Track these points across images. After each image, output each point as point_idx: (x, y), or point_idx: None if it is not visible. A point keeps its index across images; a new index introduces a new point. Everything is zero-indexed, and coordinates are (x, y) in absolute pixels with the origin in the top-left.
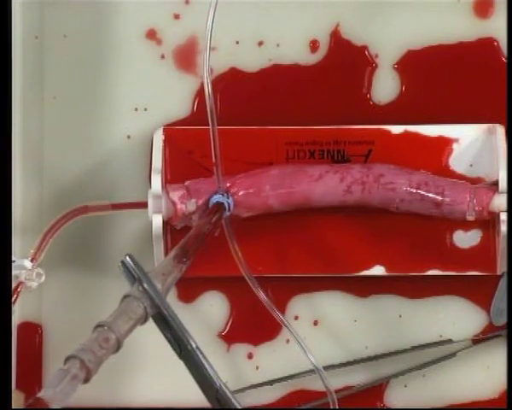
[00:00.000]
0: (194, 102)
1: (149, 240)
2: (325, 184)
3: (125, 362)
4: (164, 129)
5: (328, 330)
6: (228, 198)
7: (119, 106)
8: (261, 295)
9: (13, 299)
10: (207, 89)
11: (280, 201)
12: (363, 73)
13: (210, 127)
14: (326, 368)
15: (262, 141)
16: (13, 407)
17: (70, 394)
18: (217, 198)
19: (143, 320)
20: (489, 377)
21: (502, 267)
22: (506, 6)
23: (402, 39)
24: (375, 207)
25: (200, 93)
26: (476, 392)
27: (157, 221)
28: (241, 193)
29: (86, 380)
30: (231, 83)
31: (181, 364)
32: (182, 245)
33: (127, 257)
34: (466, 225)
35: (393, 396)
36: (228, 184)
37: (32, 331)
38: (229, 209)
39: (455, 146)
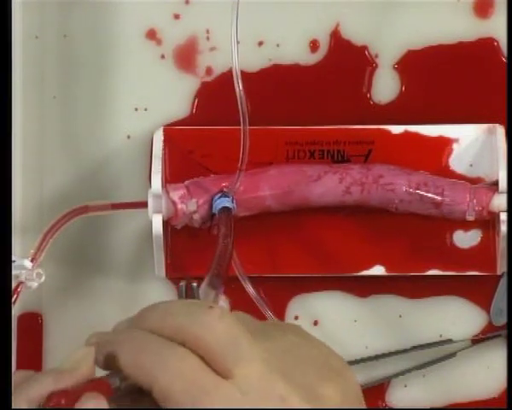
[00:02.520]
0: (194, 102)
1: (149, 240)
2: (324, 185)
3: None
4: (164, 129)
5: (328, 330)
6: (233, 202)
7: (119, 106)
8: (250, 289)
9: (13, 299)
10: (238, 88)
11: (278, 201)
12: (363, 73)
13: (241, 127)
14: None
15: (262, 141)
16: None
17: None
18: (223, 202)
19: None
20: (489, 376)
21: (502, 267)
22: (506, 6)
23: (402, 39)
24: (374, 207)
25: (199, 93)
26: (476, 392)
27: (157, 221)
28: (239, 193)
29: None
30: (231, 83)
31: None
32: (213, 272)
33: (194, 284)
34: (466, 225)
35: (393, 396)
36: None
37: (33, 324)
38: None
39: (455, 146)
